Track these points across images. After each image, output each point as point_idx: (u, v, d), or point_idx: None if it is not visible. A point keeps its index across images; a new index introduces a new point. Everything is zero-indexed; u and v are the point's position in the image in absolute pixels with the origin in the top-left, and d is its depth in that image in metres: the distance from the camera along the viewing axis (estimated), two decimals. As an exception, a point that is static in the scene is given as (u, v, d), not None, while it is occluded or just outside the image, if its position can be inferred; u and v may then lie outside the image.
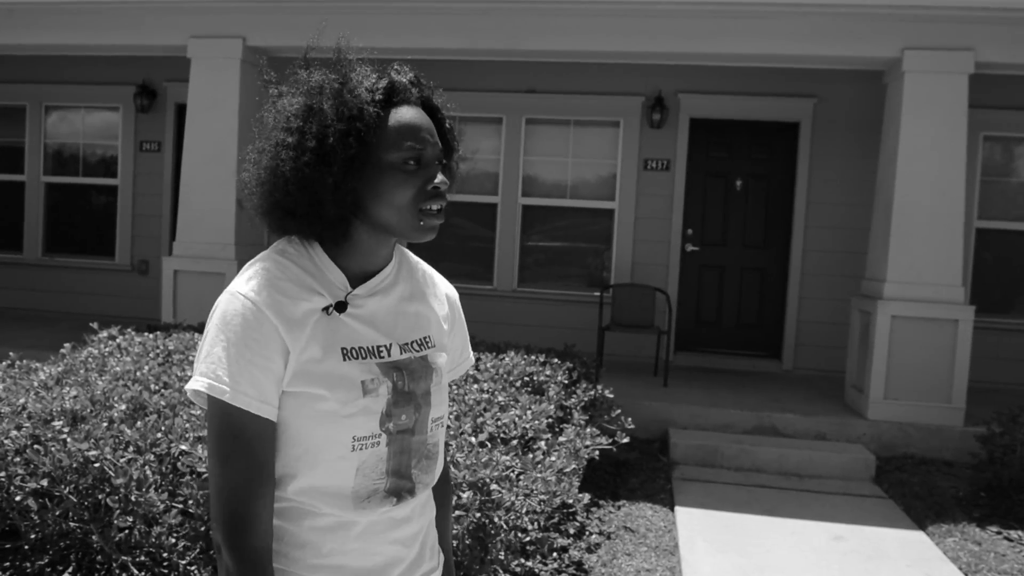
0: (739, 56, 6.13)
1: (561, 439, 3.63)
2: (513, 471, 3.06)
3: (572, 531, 3.76)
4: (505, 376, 4.23)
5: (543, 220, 7.80)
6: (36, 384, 3.44)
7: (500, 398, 3.82)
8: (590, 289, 7.60)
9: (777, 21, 5.75)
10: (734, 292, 7.65)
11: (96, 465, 2.66)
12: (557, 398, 4.14)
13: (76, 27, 6.59)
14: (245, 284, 1.14)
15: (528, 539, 3.19)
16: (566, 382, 4.51)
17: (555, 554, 3.61)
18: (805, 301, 7.38)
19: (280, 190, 1.14)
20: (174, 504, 2.69)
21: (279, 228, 1.20)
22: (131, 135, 8.37)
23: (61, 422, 2.90)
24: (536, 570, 3.34)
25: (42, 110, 8.57)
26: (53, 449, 2.70)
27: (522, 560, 3.13)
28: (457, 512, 2.68)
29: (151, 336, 4.50)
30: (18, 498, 2.66)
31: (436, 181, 1.15)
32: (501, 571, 2.90)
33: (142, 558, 2.66)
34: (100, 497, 2.65)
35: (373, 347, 1.19)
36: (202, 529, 2.64)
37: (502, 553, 2.87)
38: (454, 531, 2.62)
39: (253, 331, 1.10)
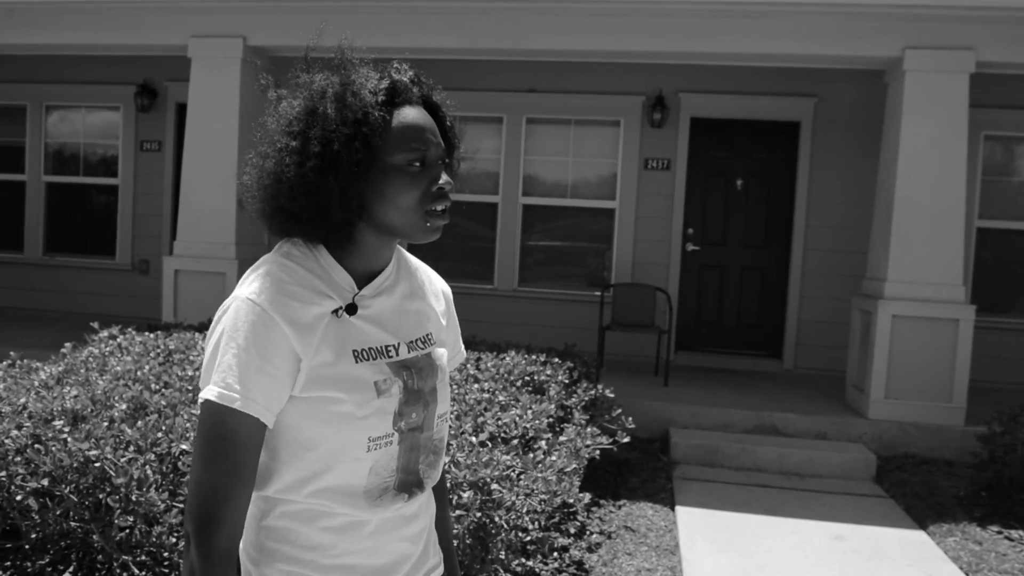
0: (740, 55, 6.13)
1: (562, 439, 3.63)
2: (514, 471, 3.06)
3: (573, 531, 3.76)
4: (506, 376, 4.23)
5: (544, 220, 7.80)
6: (37, 383, 3.44)
7: (501, 398, 3.82)
8: (591, 289, 7.60)
9: (778, 20, 5.75)
10: (735, 291, 7.65)
11: (97, 465, 2.66)
12: (558, 398, 4.14)
13: (76, 27, 6.59)
14: (253, 289, 1.12)
15: (529, 539, 3.19)
16: (567, 382, 4.51)
17: (556, 554, 3.61)
18: (806, 300, 7.38)
19: (284, 195, 1.13)
20: (175, 504, 2.69)
21: (282, 231, 1.19)
22: (132, 135, 8.37)
23: (62, 422, 2.90)
24: (537, 570, 3.34)
25: (43, 110, 8.57)
26: (54, 449, 2.70)
27: (523, 559, 3.13)
28: (458, 512, 2.68)
29: (152, 336, 4.50)
30: (19, 498, 2.66)
31: (441, 182, 1.15)
32: (502, 570, 2.90)
33: (143, 557, 2.66)
34: (101, 497, 2.65)
35: (382, 347, 1.19)
36: (203, 529, 2.63)
37: (503, 552, 2.87)
38: (455, 531, 2.62)
39: (263, 338, 1.09)
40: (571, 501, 3.34)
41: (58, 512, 2.67)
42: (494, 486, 2.83)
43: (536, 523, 3.11)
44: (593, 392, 4.59)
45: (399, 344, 1.21)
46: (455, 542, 2.64)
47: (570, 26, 5.99)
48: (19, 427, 2.87)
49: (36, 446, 2.74)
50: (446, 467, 2.77)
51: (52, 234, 8.67)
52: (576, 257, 7.80)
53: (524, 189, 7.73)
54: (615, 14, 5.93)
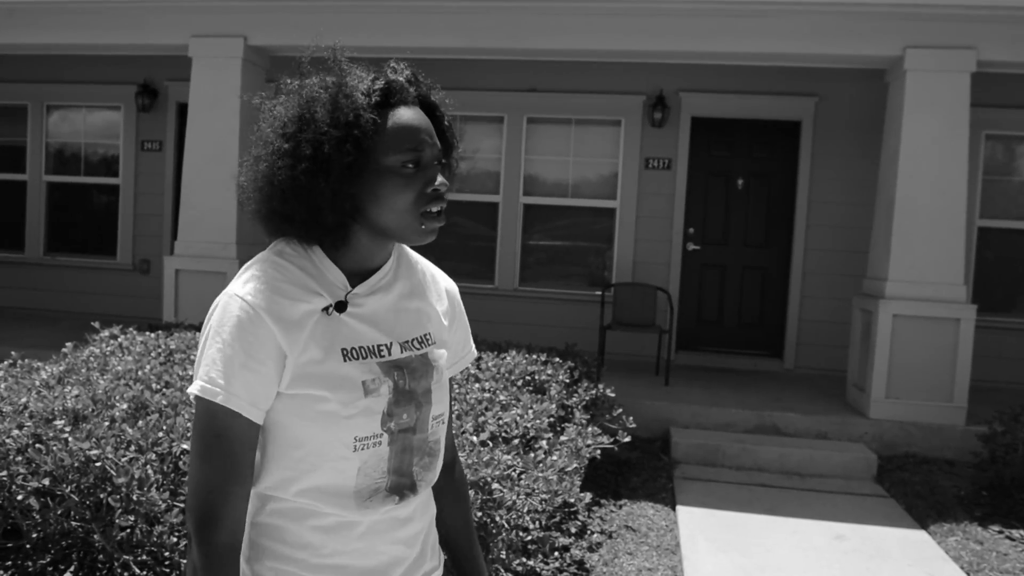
0: (740, 55, 6.13)
1: (562, 438, 3.63)
2: (514, 470, 3.06)
3: (574, 530, 3.76)
4: (506, 375, 4.23)
5: (544, 219, 7.80)
6: (38, 383, 3.45)
7: (501, 397, 3.82)
8: (591, 288, 7.60)
9: (778, 20, 5.74)
10: (735, 291, 7.65)
11: (98, 464, 2.66)
12: (558, 397, 4.13)
13: (77, 27, 6.59)
14: (242, 286, 1.13)
15: (529, 538, 3.19)
16: (567, 381, 4.51)
17: (556, 553, 3.61)
18: (807, 300, 7.38)
19: (277, 198, 1.13)
20: (176, 503, 2.69)
21: (277, 232, 1.19)
22: (132, 134, 8.37)
23: (63, 421, 2.90)
24: (538, 569, 3.34)
25: (43, 109, 8.57)
26: (55, 448, 2.70)
27: (523, 559, 3.13)
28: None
29: (153, 335, 4.50)
30: (20, 497, 2.66)
31: (436, 183, 1.14)
32: (503, 570, 2.90)
33: (144, 557, 2.66)
34: (102, 496, 2.65)
35: (374, 346, 1.18)
36: (204, 528, 2.63)
37: (504, 552, 2.87)
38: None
39: (248, 334, 1.10)
40: (572, 501, 3.34)
41: (59, 512, 2.67)
42: (495, 485, 2.83)
43: (537, 523, 3.11)
44: (594, 392, 4.59)
45: (391, 344, 1.20)
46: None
47: (570, 26, 5.99)
48: (20, 427, 2.87)
49: (37, 446, 2.74)
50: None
51: (53, 234, 8.68)
52: (577, 257, 7.80)
53: (525, 189, 7.73)
54: (615, 14, 5.92)
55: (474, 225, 7.83)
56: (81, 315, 7.88)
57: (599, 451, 3.88)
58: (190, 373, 3.68)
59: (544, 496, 3.04)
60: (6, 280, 8.61)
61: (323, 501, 1.15)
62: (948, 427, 5.49)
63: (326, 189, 1.10)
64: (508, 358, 4.52)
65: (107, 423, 2.91)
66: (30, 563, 2.79)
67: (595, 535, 3.98)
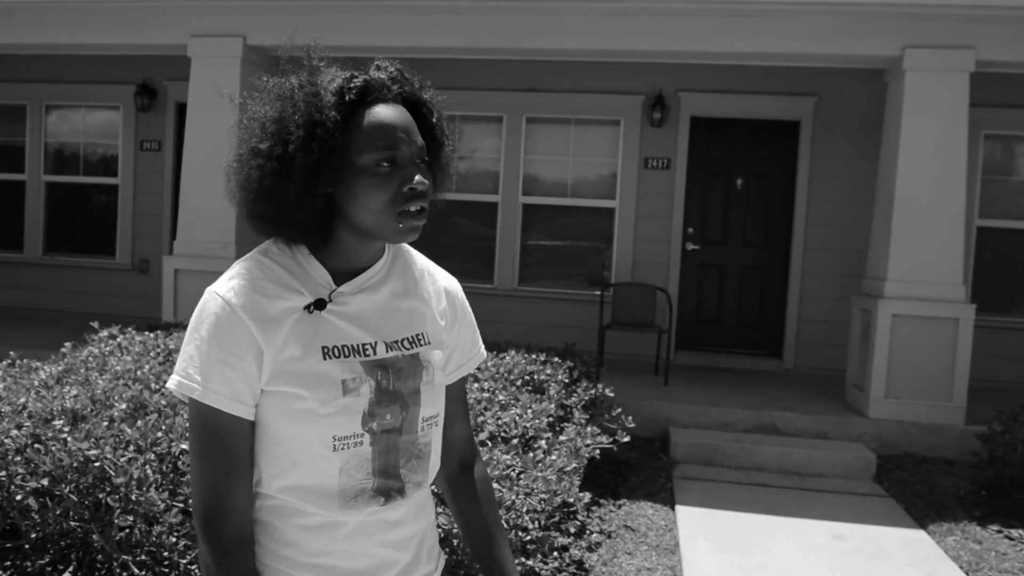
0: (740, 55, 6.13)
1: (562, 438, 3.62)
2: (514, 470, 3.06)
3: (573, 530, 3.76)
4: (505, 375, 4.23)
5: (544, 219, 7.80)
6: (37, 383, 3.44)
7: (500, 397, 3.82)
8: (591, 288, 7.60)
9: (778, 20, 5.75)
10: (735, 291, 7.65)
11: (96, 464, 2.66)
12: (558, 397, 4.13)
13: (77, 26, 6.59)
14: (222, 284, 1.14)
15: (529, 538, 3.19)
16: (567, 381, 4.50)
17: (556, 553, 3.61)
18: (806, 300, 7.38)
19: (253, 199, 1.14)
20: (175, 503, 2.69)
21: (263, 232, 1.19)
22: (131, 134, 8.37)
23: (62, 421, 2.90)
24: (537, 569, 3.34)
25: (42, 109, 8.57)
26: (53, 448, 2.70)
27: (523, 559, 3.13)
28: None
29: (152, 335, 4.50)
30: (19, 497, 2.66)
31: (413, 182, 1.12)
32: (502, 570, 2.89)
33: (143, 557, 2.66)
34: (101, 496, 2.65)
35: (357, 345, 1.17)
36: (203, 528, 2.63)
37: (503, 552, 2.87)
38: (454, 530, 2.62)
39: (224, 330, 1.11)
40: (571, 500, 3.34)
41: (58, 512, 2.67)
42: (494, 485, 2.83)
43: (536, 522, 3.11)
44: (593, 391, 4.59)
45: (376, 343, 1.18)
46: (455, 541, 2.64)
47: (570, 25, 5.99)
48: (19, 427, 2.86)
49: (36, 446, 2.74)
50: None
51: (52, 234, 8.67)
52: (576, 256, 7.80)
53: (524, 188, 7.73)
54: (615, 14, 5.92)
55: (473, 225, 7.83)
56: (80, 315, 7.88)
57: (598, 451, 3.88)
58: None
59: (543, 496, 3.04)
60: (5, 280, 8.61)
61: (306, 500, 1.15)
62: (947, 427, 5.49)
63: (292, 188, 1.10)
64: (507, 358, 4.52)
65: (106, 423, 2.91)
66: (29, 563, 2.78)
67: (594, 535, 3.97)
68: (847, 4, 5.62)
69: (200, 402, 1.11)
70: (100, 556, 2.73)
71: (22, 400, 3.10)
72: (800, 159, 7.35)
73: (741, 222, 7.60)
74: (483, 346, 1.43)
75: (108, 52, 7.23)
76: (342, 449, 1.14)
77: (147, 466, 2.69)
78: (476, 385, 3.98)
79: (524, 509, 2.94)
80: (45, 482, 2.65)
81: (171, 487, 2.73)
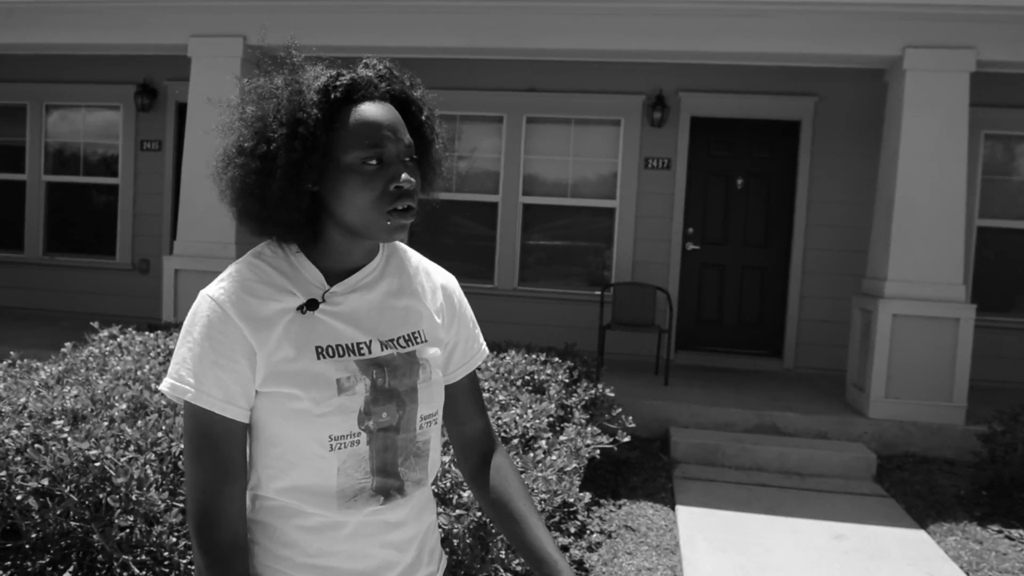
0: (740, 55, 6.13)
1: (562, 438, 3.62)
2: (514, 470, 3.05)
3: (573, 530, 3.76)
4: (506, 375, 4.23)
5: (544, 219, 7.80)
6: (37, 383, 3.44)
7: (501, 397, 3.82)
8: (591, 288, 7.60)
9: (778, 20, 5.75)
10: (735, 291, 7.65)
11: (97, 464, 2.66)
12: (558, 397, 4.13)
13: (77, 26, 6.59)
14: (216, 286, 1.15)
15: (529, 538, 3.18)
16: (567, 381, 4.50)
17: (556, 553, 3.60)
18: (806, 300, 7.38)
19: (239, 197, 1.14)
20: (175, 503, 2.69)
21: (255, 231, 1.19)
22: (132, 134, 8.37)
23: (62, 421, 2.90)
24: (537, 569, 3.33)
25: (43, 109, 8.57)
26: (54, 448, 2.70)
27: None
28: (457, 511, 2.68)
29: (152, 335, 4.50)
30: (19, 497, 2.66)
31: (400, 180, 1.11)
32: (502, 570, 2.90)
33: (143, 557, 2.66)
34: (101, 496, 2.65)
35: (352, 344, 1.17)
36: (203, 528, 2.63)
37: (503, 552, 2.87)
38: (455, 530, 2.62)
39: (217, 332, 1.11)
40: (571, 500, 3.34)
41: (58, 512, 2.67)
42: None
43: (536, 522, 3.11)
44: (593, 391, 4.59)
45: (371, 341, 1.18)
46: (455, 541, 2.64)
47: (570, 25, 5.99)
48: (19, 427, 2.86)
49: (36, 446, 2.74)
50: (446, 467, 2.77)
51: (52, 234, 8.67)
52: (576, 256, 7.80)
53: (524, 188, 7.73)
54: (615, 14, 5.92)
55: (473, 225, 7.83)
56: (80, 315, 7.88)
57: (598, 451, 3.88)
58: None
59: (543, 496, 3.04)
60: (5, 280, 8.61)
61: (305, 501, 1.15)
62: (947, 427, 5.49)
63: (274, 186, 1.10)
64: (507, 358, 4.52)
65: (106, 423, 2.91)
66: (29, 563, 2.79)
67: (594, 535, 3.98)
68: (847, 4, 5.62)
69: (193, 404, 1.11)
70: (100, 556, 2.73)
71: (22, 400, 3.10)
72: (800, 159, 7.35)
73: (741, 222, 7.60)
74: (483, 344, 1.42)
75: (108, 52, 7.23)
76: (339, 448, 1.13)
77: (147, 466, 2.69)
78: (476, 385, 3.97)
79: (524, 509, 2.93)
80: (45, 482, 2.65)
81: (171, 487, 2.73)
